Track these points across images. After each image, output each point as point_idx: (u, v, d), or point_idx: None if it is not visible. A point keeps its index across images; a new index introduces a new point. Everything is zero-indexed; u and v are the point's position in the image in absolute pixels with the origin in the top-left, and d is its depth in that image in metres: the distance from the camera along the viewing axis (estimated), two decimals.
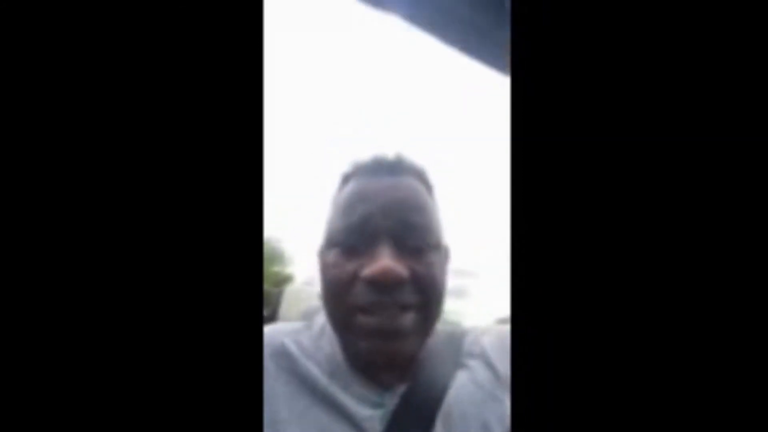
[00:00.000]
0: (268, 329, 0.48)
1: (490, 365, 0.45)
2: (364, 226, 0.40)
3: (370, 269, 0.38)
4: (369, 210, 0.41)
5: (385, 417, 0.40)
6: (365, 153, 0.47)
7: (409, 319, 0.39)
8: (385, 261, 0.38)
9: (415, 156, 0.47)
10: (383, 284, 0.38)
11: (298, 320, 0.51)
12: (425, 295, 0.40)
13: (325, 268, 0.43)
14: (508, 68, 0.26)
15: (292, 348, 0.44)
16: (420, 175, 0.46)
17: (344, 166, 0.47)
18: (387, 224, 0.40)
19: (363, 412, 0.40)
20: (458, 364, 0.45)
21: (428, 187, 0.46)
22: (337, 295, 0.41)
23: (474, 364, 0.45)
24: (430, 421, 0.40)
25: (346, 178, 0.46)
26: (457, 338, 0.48)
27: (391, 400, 0.41)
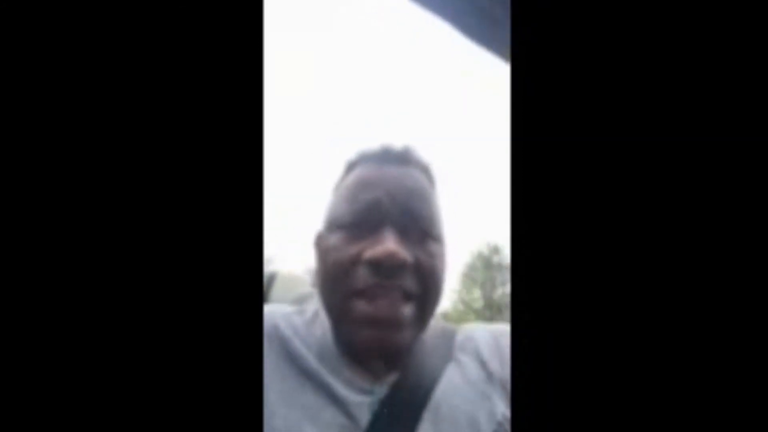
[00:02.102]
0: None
1: (482, 363, 0.45)
2: (369, 211, 0.40)
3: (373, 251, 0.38)
4: (375, 195, 0.40)
5: (374, 405, 0.40)
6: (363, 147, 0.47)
7: (406, 309, 0.39)
8: (389, 244, 0.38)
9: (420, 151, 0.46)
10: (386, 267, 0.38)
11: (289, 304, 0.51)
12: (426, 285, 0.40)
13: (325, 252, 0.42)
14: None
15: (286, 330, 0.44)
16: (425, 169, 0.46)
17: (350, 155, 0.47)
18: (393, 210, 0.40)
19: (352, 397, 0.40)
20: (450, 359, 0.45)
21: (431, 182, 0.46)
22: (336, 278, 0.40)
23: (466, 360, 0.45)
24: (418, 413, 0.40)
25: (350, 166, 0.46)
26: (449, 333, 0.48)
27: (381, 389, 0.41)
